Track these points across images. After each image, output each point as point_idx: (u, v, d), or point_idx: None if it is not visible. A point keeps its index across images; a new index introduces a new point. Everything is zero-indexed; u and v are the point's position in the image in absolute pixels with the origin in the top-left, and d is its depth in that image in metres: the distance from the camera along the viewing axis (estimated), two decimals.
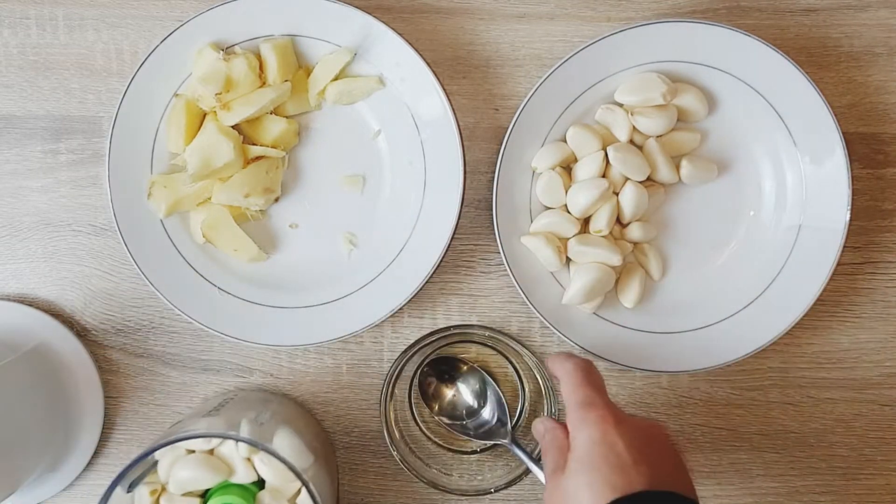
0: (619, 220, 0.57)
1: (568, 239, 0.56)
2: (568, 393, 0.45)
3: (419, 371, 0.57)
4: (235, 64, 0.54)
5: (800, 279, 0.56)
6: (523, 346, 0.52)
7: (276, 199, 0.58)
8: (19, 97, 0.59)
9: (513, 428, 0.55)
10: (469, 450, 0.58)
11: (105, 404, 0.59)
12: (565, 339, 0.55)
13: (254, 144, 0.56)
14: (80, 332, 0.59)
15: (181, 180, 0.56)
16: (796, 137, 0.56)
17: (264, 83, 0.56)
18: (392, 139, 0.57)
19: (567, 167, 0.57)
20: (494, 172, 0.55)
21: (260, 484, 0.51)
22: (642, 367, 0.56)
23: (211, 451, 0.51)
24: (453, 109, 0.55)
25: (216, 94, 0.54)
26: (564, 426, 0.44)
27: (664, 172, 0.56)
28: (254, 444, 0.46)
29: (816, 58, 0.58)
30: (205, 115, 0.56)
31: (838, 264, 0.55)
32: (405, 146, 0.57)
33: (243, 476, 0.50)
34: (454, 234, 0.55)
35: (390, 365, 0.53)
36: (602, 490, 0.39)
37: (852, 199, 0.55)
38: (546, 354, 0.59)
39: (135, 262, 0.55)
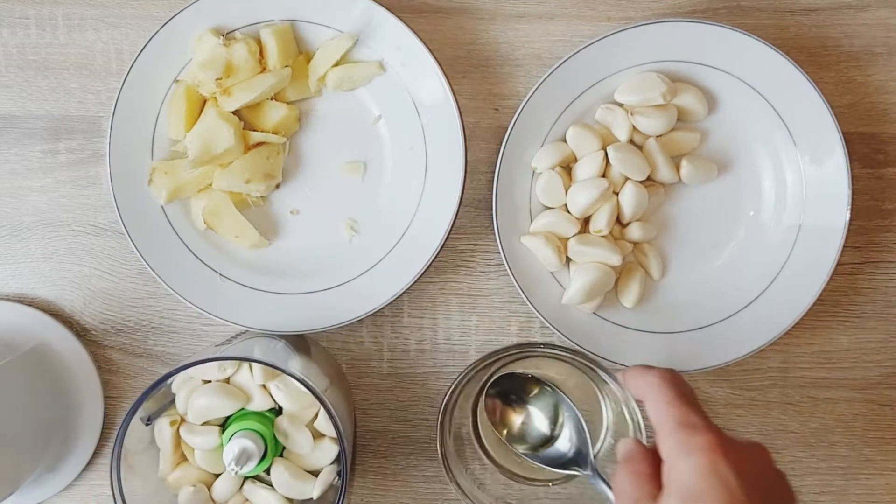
0: (618, 220, 0.57)
1: (568, 239, 0.56)
2: (659, 412, 0.37)
3: (483, 391, 0.51)
4: (236, 49, 0.54)
5: (800, 279, 0.56)
6: (603, 370, 0.45)
7: (277, 186, 0.58)
8: (19, 97, 0.59)
9: (594, 456, 0.47)
10: (542, 480, 0.52)
11: (105, 404, 0.59)
12: (565, 338, 0.55)
13: (254, 130, 0.56)
14: (80, 331, 0.59)
15: (182, 167, 0.55)
16: (796, 137, 0.56)
17: (265, 69, 0.55)
18: (393, 125, 0.57)
19: (567, 167, 0.57)
20: (494, 172, 0.55)
21: (276, 411, 0.52)
22: None
23: (227, 381, 0.51)
24: (454, 94, 0.55)
25: (216, 80, 0.54)
26: (652, 451, 0.38)
27: (664, 172, 0.56)
28: (270, 366, 0.47)
29: (816, 57, 0.58)
30: (205, 101, 0.56)
31: (838, 264, 0.55)
32: (406, 132, 0.57)
33: (260, 403, 0.51)
34: (455, 219, 0.55)
35: (449, 389, 0.48)
36: None
37: (852, 199, 0.55)
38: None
39: (136, 248, 0.55)
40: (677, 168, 0.56)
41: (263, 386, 0.51)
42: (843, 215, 0.55)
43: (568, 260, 0.57)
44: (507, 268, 0.55)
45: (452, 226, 0.55)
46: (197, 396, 0.50)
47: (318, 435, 0.52)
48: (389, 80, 0.56)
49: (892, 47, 0.58)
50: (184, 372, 0.49)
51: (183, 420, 0.52)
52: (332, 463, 0.51)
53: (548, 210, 0.57)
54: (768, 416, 0.60)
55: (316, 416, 0.51)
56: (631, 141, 0.56)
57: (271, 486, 0.51)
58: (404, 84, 0.56)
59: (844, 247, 0.55)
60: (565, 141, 0.56)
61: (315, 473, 0.51)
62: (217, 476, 0.52)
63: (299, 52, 0.57)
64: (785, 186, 0.57)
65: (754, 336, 0.56)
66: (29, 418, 0.56)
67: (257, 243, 0.57)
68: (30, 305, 0.58)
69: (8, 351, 0.56)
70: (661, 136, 0.56)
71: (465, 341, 0.59)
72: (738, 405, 0.60)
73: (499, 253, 0.55)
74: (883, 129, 0.59)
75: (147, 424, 0.50)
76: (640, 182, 0.55)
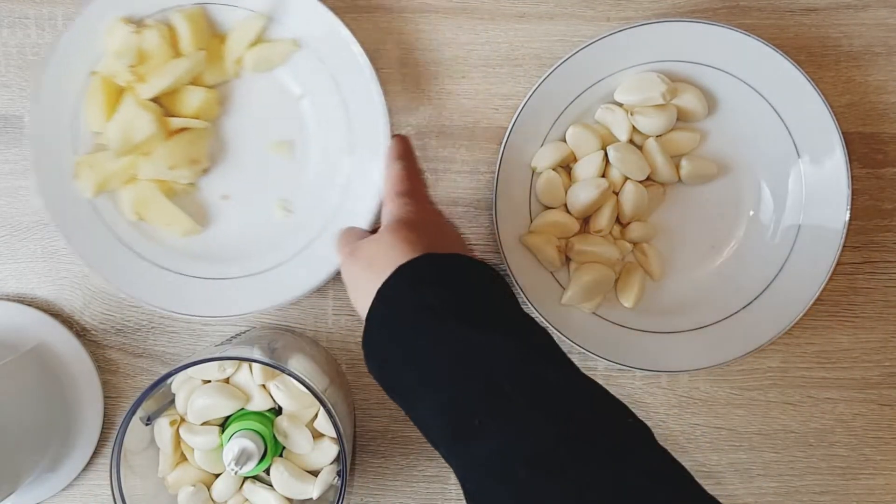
0: (618, 220, 0.57)
1: (568, 239, 0.56)
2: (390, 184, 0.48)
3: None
4: (147, 36, 0.54)
5: (799, 279, 0.56)
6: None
7: (205, 171, 0.57)
8: (18, 97, 0.58)
9: None
10: None
11: (104, 404, 0.59)
12: (565, 338, 0.55)
13: (175, 117, 0.56)
14: (80, 331, 0.59)
15: (106, 159, 0.55)
16: (796, 137, 0.56)
17: (179, 54, 0.55)
18: (315, 102, 0.57)
19: (567, 167, 0.57)
20: (494, 172, 0.55)
21: (276, 411, 0.52)
22: (642, 367, 0.56)
23: (226, 381, 0.51)
24: (371, 65, 0.54)
25: (130, 67, 0.54)
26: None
27: (664, 172, 0.56)
28: (271, 365, 0.47)
29: (816, 57, 0.58)
30: (123, 91, 0.56)
31: (838, 264, 0.55)
32: (329, 108, 0.57)
33: (260, 403, 0.51)
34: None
35: None
36: (407, 241, 0.42)
37: (852, 199, 0.55)
38: None
39: (69, 244, 0.55)
40: (677, 168, 0.56)
41: (263, 386, 0.51)
42: (843, 215, 0.55)
43: (568, 260, 0.57)
44: (507, 268, 0.55)
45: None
46: (197, 396, 0.50)
47: (317, 435, 0.52)
48: (307, 57, 0.56)
49: (891, 47, 0.58)
50: (183, 372, 0.49)
51: (183, 420, 0.52)
52: (332, 463, 0.51)
53: (548, 210, 0.57)
54: (768, 416, 0.60)
55: (316, 416, 0.51)
56: (631, 141, 0.56)
57: (271, 486, 0.51)
58: (322, 60, 0.56)
59: (844, 247, 0.55)
60: (565, 141, 0.56)
61: (315, 473, 0.51)
62: (217, 476, 0.52)
63: (214, 35, 0.56)
64: (785, 186, 0.57)
65: (754, 336, 0.56)
66: (29, 418, 0.56)
67: (190, 230, 0.57)
68: (29, 305, 0.58)
69: (8, 351, 0.56)
70: (660, 135, 0.56)
71: None
72: (737, 405, 0.60)
73: (499, 253, 0.55)
74: (882, 128, 0.59)
75: (147, 424, 0.50)
76: (640, 182, 0.55)
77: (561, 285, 0.57)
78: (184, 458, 0.52)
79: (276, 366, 0.47)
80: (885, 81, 0.59)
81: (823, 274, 0.55)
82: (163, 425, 0.51)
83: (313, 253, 0.57)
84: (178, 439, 0.52)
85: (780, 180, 0.57)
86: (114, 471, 0.47)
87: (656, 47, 0.55)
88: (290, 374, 0.47)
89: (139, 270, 0.56)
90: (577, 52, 0.54)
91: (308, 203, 0.57)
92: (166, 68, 0.54)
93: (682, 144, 0.57)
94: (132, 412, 0.46)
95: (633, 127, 0.55)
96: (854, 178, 0.55)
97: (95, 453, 0.59)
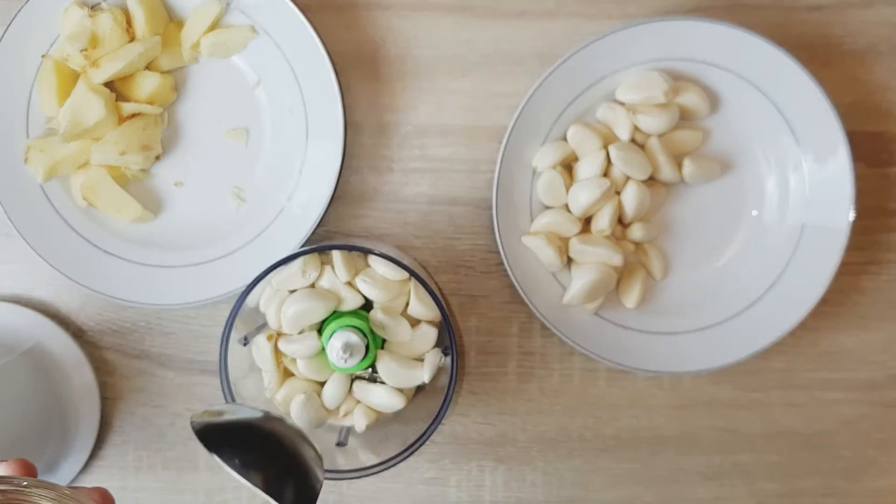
0: (620, 220, 0.56)
1: (569, 238, 0.56)
2: None
3: None
4: (101, 20, 0.54)
5: (803, 279, 0.55)
6: None
7: (158, 158, 0.57)
8: None
9: None
10: None
11: (101, 406, 0.58)
12: (566, 339, 0.55)
13: (128, 102, 0.55)
14: (76, 332, 0.59)
15: (58, 143, 0.55)
16: (799, 136, 0.55)
17: (133, 38, 0.55)
18: (271, 89, 0.57)
19: (568, 166, 0.56)
20: (495, 171, 0.54)
21: (367, 309, 0.52)
22: (644, 368, 0.56)
23: (312, 286, 0.51)
24: (328, 53, 0.54)
25: (82, 51, 0.54)
26: None
27: (666, 171, 0.55)
28: (361, 249, 0.48)
29: (820, 56, 0.58)
30: (78, 75, 0.55)
31: (842, 264, 0.55)
32: (285, 95, 0.56)
33: (350, 301, 0.51)
34: (338, 181, 0.55)
35: None
36: None
37: (856, 198, 0.54)
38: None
39: (17, 229, 0.55)
40: (679, 167, 0.56)
41: (349, 284, 0.51)
42: (847, 215, 0.54)
43: (569, 260, 0.56)
44: (507, 268, 0.55)
45: (336, 186, 0.55)
46: (288, 305, 0.50)
47: (414, 322, 0.51)
48: (264, 43, 0.56)
49: (895, 45, 0.58)
50: (269, 286, 0.50)
51: (279, 334, 0.51)
52: (435, 347, 0.51)
53: (549, 210, 0.56)
54: (771, 418, 0.59)
55: (407, 304, 0.51)
56: (633, 140, 0.56)
57: (380, 382, 0.51)
58: (279, 47, 0.56)
59: (848, 246, 0.54)
60: (566, 140, 0.56)
61: (420, 360, 0.51)
62: (323, 384, 0.52)
63: (170, 20, 0.56)
64: (788, 186, 0.56)
65: (757, 337, 0.56)
66: (25, 420, 0.56)
67: (141, 217, 0.56)
68: (26, 306, 0.58)
69: (4, 352, 0.56)
70: (663, 135, 0.56)
71: (465, 342, 0.59)
72: (741, 406, 0.59)
73: (499, 253, 0.55)
74: (887, 127, 0.58)
75: (244, 345, 0.50)
76: (642, 181, 0.55)
77: (562, 285, 0.56)
78: (287, 374, 0.52)
79: (365, 248, 0.47)
80: (889, 80, 0.58)
81: (827, 274, 0.55)
82: (260, 343, 0.51)
83: (266, 242, 0.56)
84: (278, 355, 0.51)
85: (784, 179, 0.56)
86: (228, 399, 0.47)
87: (658, 45, 0.54)
88: (381, 255, 0.47)
89: (86, 257, 0.56)
90: (579, 50, 0.53)
91: (262, 191, 0.57)
92: (119, 53, 0.54)
93: (684, 143, 0.56)
94: (228, 332, 0.46)
95: (635, 126, 0.55)
96: (858, 178, 0.55)
97: (93, 455, 0.58)
